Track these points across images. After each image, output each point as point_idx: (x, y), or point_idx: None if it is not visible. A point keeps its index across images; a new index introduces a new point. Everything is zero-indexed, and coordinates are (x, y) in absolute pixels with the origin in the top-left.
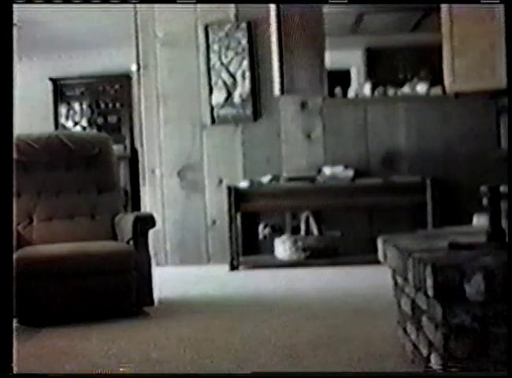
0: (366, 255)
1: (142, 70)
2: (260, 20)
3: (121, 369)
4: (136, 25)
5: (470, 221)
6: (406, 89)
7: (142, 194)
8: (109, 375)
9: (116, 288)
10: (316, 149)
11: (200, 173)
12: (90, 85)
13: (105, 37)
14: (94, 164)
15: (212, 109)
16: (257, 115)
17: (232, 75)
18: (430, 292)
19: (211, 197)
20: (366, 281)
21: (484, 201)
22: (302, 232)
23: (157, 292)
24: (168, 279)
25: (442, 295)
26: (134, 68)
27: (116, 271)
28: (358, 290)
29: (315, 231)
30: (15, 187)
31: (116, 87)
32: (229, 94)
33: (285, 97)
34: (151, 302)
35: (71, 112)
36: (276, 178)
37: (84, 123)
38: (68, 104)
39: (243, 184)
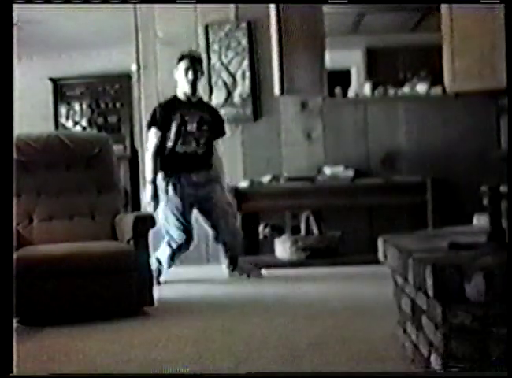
0: (366, 255)
1: (142, 70)
2: (260, 20)
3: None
4: (136, 25)
5: (470, 221)
6: (406, 89)
7: (142, 194)
8: (109, 375)
9: (116, 288)
10: (316, 149)
11: None
12: (90, 85)
13: (105, 37)
14: (94, 164)
15: None
16: (257, 115)
17: (232, 75)
18: (430, 292)
19: None
20: (366, 281)
21: (484, 201)
22: (302, 232)
23: (157, 292)
24: (168, 279)
25: (442, 295)
26: (134, 67)
27: (116, 271)
28: (358, 290)
29: (315, 231)
30: (15, 187)
31: (116, 86)
32: (229, 94)
33: (285, 97)
34: (151, 302)
35: (71, 112)
36: (276, 178)
37: (84, 123)
38: (68, 104)
39: (243, 184)
